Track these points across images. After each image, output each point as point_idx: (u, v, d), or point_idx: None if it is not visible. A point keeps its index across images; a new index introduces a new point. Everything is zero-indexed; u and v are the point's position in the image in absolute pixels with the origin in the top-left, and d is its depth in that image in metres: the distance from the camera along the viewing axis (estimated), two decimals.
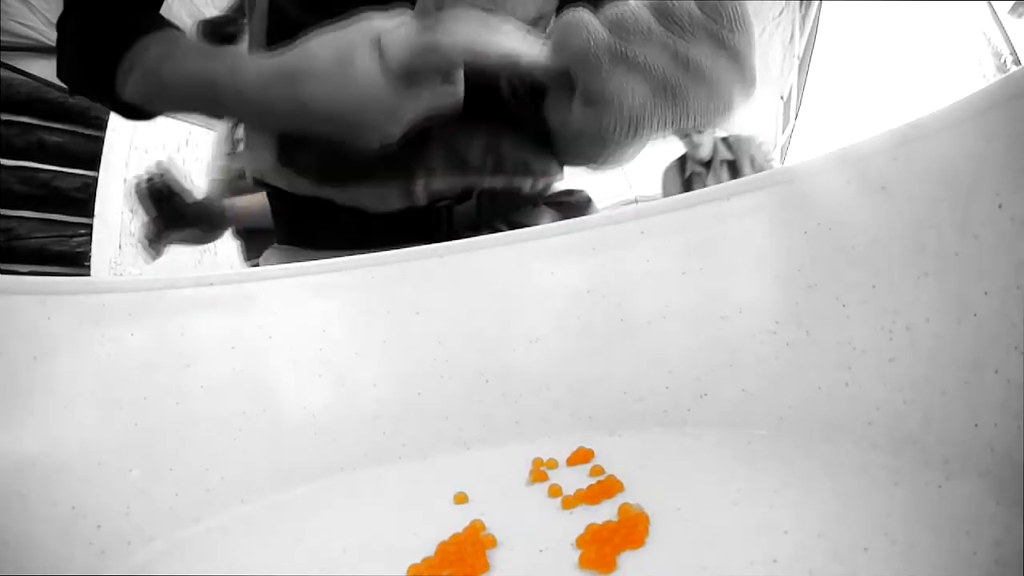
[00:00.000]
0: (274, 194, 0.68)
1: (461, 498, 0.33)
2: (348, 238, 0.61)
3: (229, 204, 1.33)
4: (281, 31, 0.66)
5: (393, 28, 0.47)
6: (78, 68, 0.64)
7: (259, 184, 0.68)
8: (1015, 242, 0.25)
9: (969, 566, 0.22)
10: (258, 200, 1.36)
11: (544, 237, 0.40)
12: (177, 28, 0.62)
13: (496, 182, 0.63)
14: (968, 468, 0.25)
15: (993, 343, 0.25)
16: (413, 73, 0.47)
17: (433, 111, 0.49)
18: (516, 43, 0.47)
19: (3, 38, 2.10)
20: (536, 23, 0.74)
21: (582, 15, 0.46)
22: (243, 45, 0.73)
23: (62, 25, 0.65)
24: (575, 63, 0.46)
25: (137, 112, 0.62)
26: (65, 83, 0.65)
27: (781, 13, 3.62)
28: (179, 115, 0.59)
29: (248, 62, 0.54)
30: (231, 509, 0.35)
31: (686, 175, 2.77)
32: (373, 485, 0.37)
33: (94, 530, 0.31)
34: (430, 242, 0.60)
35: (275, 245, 0.72)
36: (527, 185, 0.65)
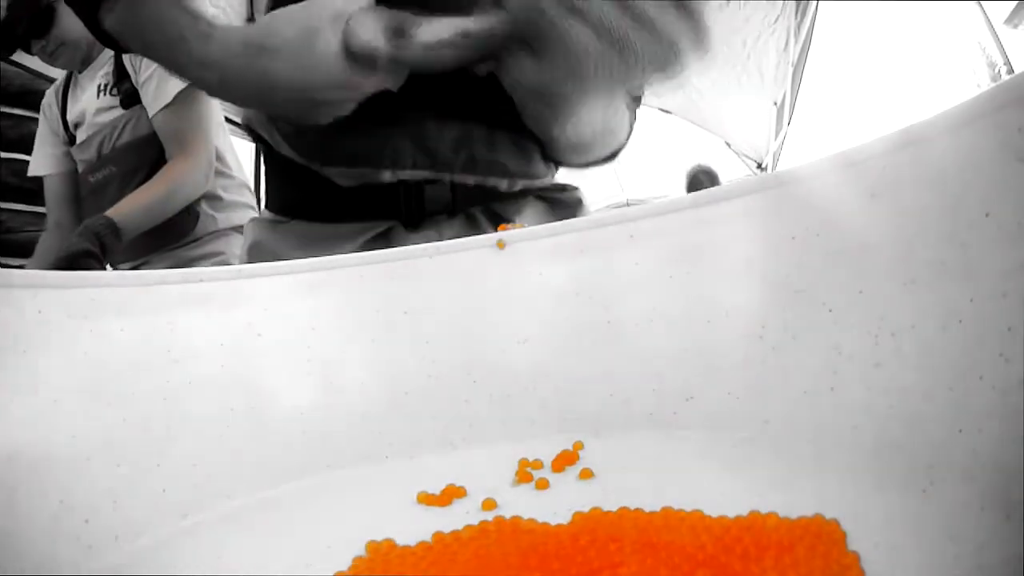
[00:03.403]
0: (267, 153, 0.69)
1: (446, 498, 0.34)
2: (323, 209, 0.64)
3: (116, 214, 1.23)
4: None
5: (358, 12, 0.50)
6: None
7: (248, 131, 0.69)
8: (1001, 250, 0.25)
9: (952, 570, 0.22)
10: (144, 196, 1.26)
11: (533, 239, 0.40)
12: None
13: (468, 179, 0.64)
14: (952, 473, 0.26)
15: (978, 349, 0.26)
16: (373, 58, 0.49)
17: (379, 89, 0.52)
18: (462, 21, 0.48)
19: None
20: None
21: None
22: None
23: None
24: (523, 21, 0.47)
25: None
26: None
27: (776, 20, 3.63)
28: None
29: (219, 31, 0.55)
30: (218, 505, 0.35)
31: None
32: (360, 483, 0.37)
33: (81, 525, 0.31)
34: (399, 218, 0.62)
35: (254, 217, 0.74)
36: (503, 184, 0.65)
